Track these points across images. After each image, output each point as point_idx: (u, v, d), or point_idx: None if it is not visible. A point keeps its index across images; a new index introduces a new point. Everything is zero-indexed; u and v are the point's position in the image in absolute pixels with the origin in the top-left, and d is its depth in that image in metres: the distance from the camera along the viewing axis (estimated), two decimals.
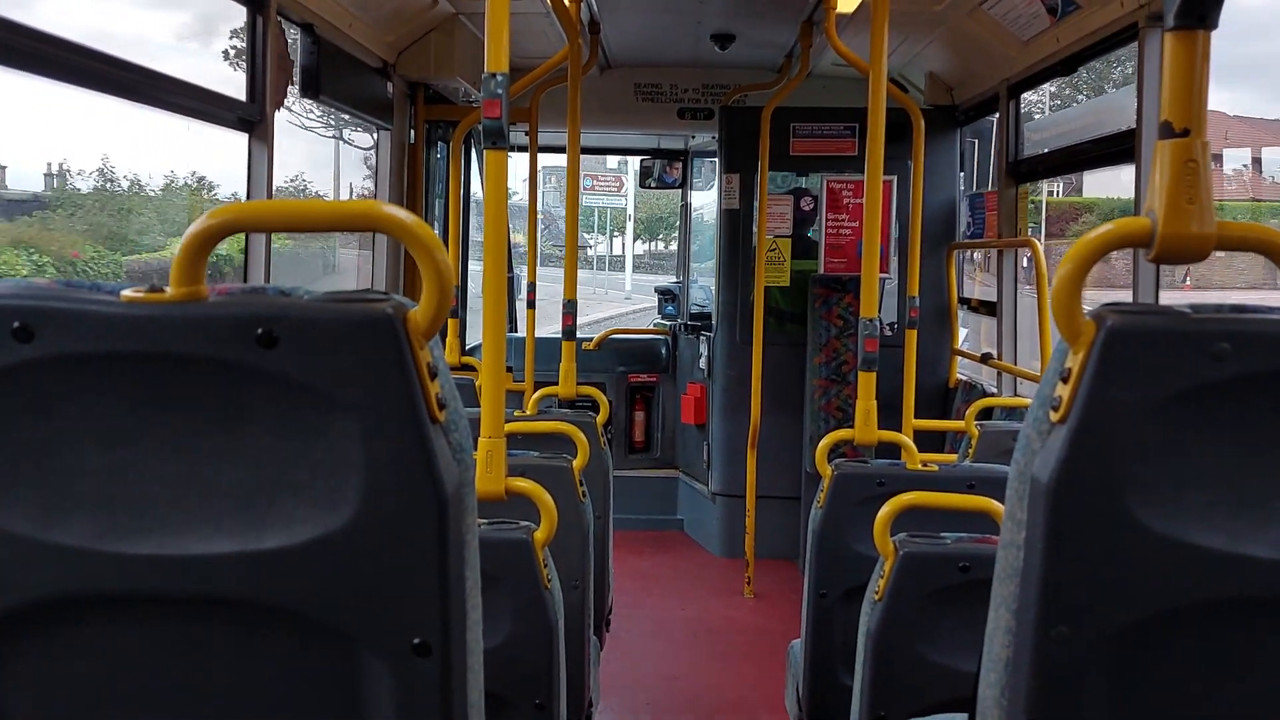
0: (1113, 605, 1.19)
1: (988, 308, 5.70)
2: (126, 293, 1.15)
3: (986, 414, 4.36)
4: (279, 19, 3.74)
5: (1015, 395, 5.08)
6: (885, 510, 2.38)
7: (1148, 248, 1.22)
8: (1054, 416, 1.20)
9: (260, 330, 1.13)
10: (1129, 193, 3.80)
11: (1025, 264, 5.80)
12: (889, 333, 5.89)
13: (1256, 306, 1.19)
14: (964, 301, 6.15)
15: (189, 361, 1.15)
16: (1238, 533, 1.18)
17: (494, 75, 2.27)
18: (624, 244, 35.97)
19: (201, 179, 11.25)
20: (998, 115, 5.23)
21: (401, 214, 1.18)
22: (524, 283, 5.40)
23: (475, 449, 2.25)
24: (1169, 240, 1.21)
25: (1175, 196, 1.20)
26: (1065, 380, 1.19)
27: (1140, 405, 1.16)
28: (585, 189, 22.84)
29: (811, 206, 6.33)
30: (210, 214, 1.16)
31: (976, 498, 2.43)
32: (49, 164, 9.59)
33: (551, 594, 2.33)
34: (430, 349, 1.19)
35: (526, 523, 2.32)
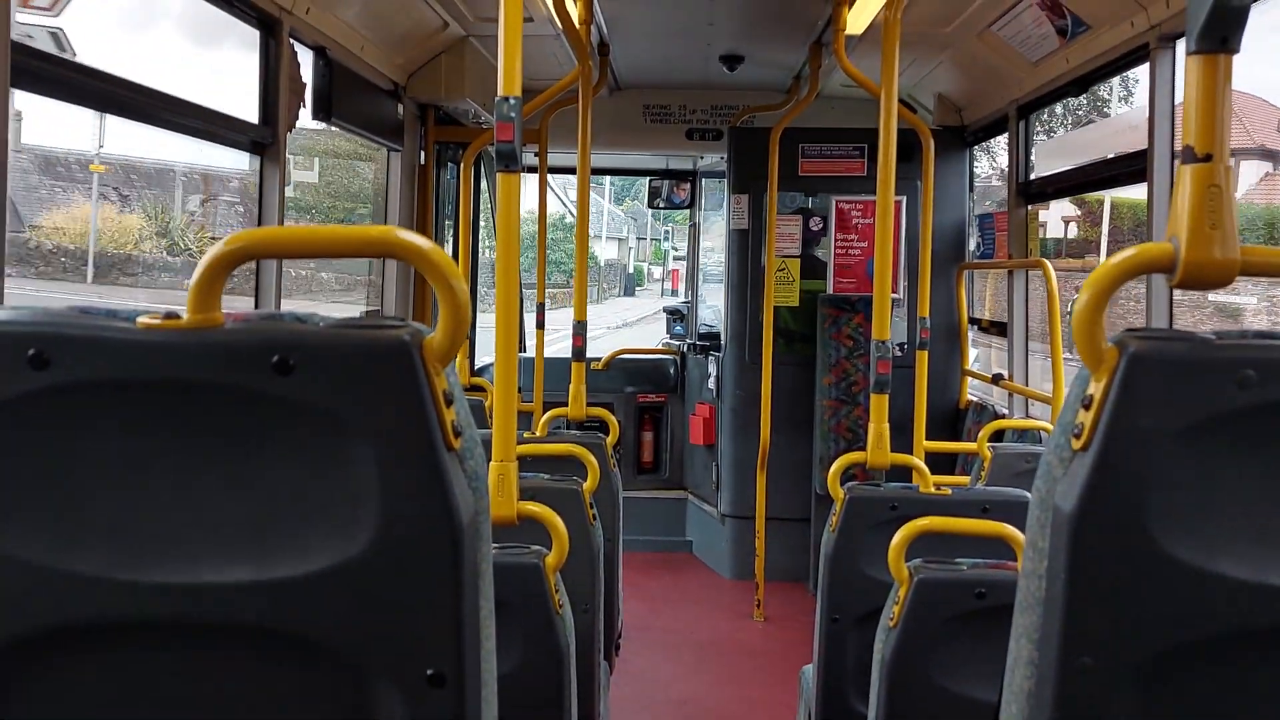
0: (1137, 636, 1.18)
1: (998, 328, 5.69)
2: (142, 319, 1.14)
3: (998, 436, 4.35)
4: (291, 42, 3.76)
5: (1027, 417, 5.06)
6: (900, 536, 2.36)
7: (1170, 273, 1.21)
8: (1076, 444, 1.19)
9: (276, 357, 1.12)
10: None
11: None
12: (899, 353, 5.88)
13: None
14: (974, 322, 6.14)
15: (204, 388, 1.14)
16: (1263, 562, 1.16)
17: (507, 98, 2.27)
18: None
19: None
20: (1007, 136, 5.23)
21: (418, 240, 1.17)
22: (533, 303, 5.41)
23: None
24: (1192, 266, 1.20)
25: (1198, 221, 1.19)
26: (1087, 407, 1.18)
27: (1164, 432, 1.15)
28: None
29: (820, 227, 6.33)
30: (227, 240, 1.16)
31: (994, 524, 2.41)
32: None
33: (563, 618, 2.32)
34: (446, 375, 1.18)
35: (537, 546, 2.31)
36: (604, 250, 38.94)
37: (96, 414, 1.16)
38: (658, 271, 50.24)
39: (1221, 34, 1.18)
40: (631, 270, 46.58)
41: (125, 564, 1.17)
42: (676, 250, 50.39)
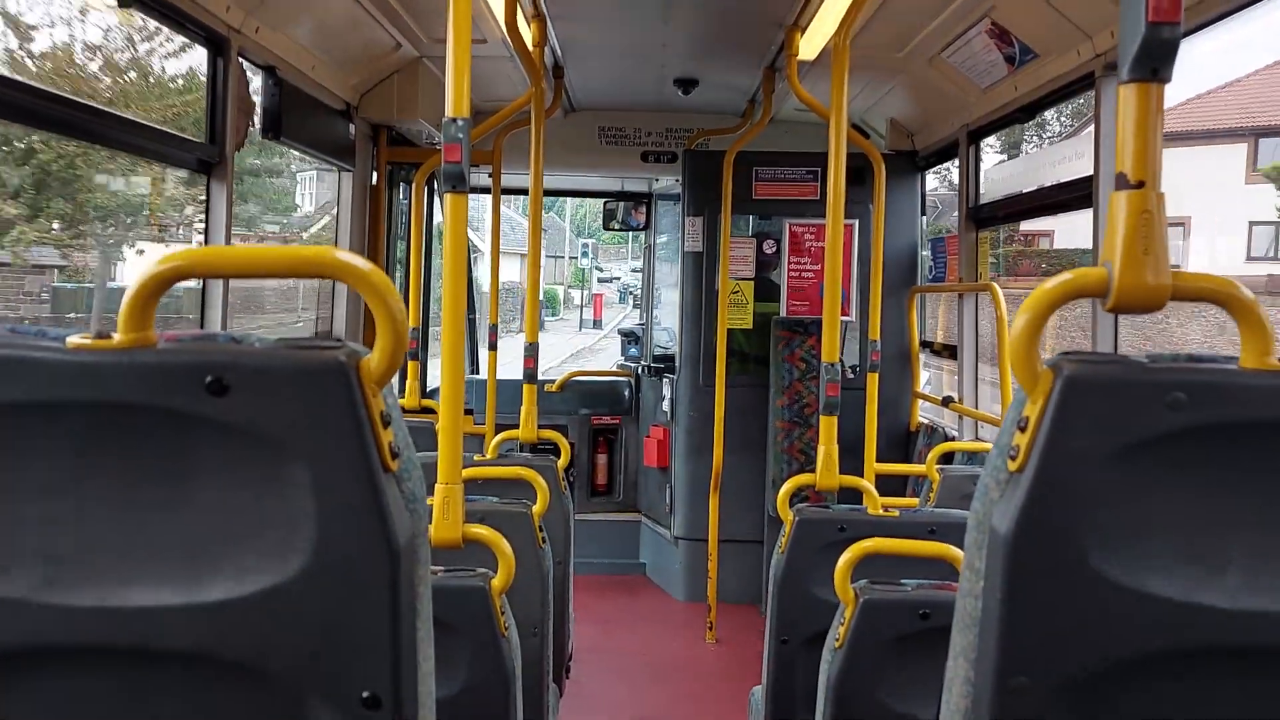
0: (1071, 655, 1.19)
1: (949, 351, 5.75)
2: (72, 339, 1.12)
3: (948, 458, 4.38)
4: (240, 61, 3.73)
5: (976, 439, 5.11)
6: (846, 558, 2.37)
7: (1104, 298, 1.23)
8: (1012, 466, 1.20)
9: (210, 378, 1.11)
10: None
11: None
12: (850, 375, 5.93)
13: (1212, 356, 1.19)
14: (926, 345, 6.19)
15: (136, 410, 1.12)
16: (1193, 582, 1.18)
17: (455, 120, 2.26)
18: None
19: None
20: (958, 160, 5.30)
21: (355, 260, 1.16)
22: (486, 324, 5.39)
23: (433, 494, 2.23)
24: (1125, 290, 1.21)
25: (1131, 247, 1.21)
26: (1023, 429, 1.19)
27: (1097, 454, 1.16)
28: None
29: (774, 250, 6.37)
30: (162, 259, 1.14)
31: (936, 544, 2.43)
32: None
33: (509, 641, 2.30)
34: (384, 396, 1.17)
35: (483, 569, 2.30)
36: (502, 269, 29.26)
37: (26, 436, 1.14)
38: (577, 296, 43.50)
39: (1152, 65, 1.20)
40: (542, 295, 37.93)
41: (53, 588, 1.15)
42: (601, 271, 45.81)
